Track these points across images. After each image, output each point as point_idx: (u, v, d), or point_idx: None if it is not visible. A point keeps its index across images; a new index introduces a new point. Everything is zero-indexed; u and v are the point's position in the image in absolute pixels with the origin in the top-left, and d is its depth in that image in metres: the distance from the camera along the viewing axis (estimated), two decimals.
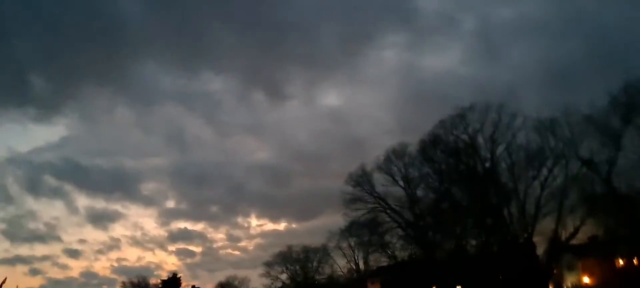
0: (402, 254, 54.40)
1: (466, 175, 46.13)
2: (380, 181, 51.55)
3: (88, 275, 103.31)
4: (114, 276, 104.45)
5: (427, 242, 50.40)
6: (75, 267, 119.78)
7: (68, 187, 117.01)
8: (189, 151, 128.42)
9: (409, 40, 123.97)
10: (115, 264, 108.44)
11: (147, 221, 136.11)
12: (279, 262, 71.51)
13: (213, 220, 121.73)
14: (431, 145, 47.59)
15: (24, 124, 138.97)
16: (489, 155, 45.44)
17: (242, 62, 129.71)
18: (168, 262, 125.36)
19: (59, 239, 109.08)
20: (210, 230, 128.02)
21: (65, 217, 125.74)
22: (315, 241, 72.47)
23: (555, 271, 47.35)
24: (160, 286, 76.76)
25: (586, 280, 48.20)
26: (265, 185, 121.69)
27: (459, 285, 50.56)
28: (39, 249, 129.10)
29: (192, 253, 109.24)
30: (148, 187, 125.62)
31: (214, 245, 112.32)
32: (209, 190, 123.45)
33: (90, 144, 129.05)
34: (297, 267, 70.84)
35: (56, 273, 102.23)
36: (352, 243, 63.52)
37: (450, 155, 47.11)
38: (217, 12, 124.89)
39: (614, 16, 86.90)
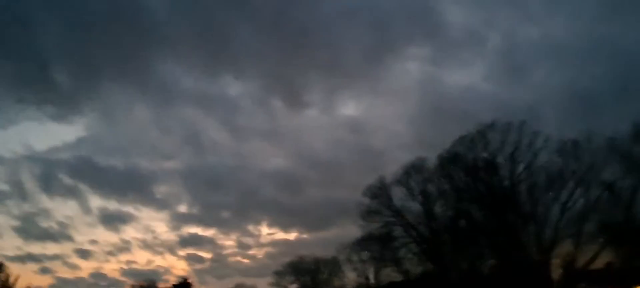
0: (415, 270, 54.04)
1: (484, 194, 45.95)
2: (397, 195, 51.50)
3: (97, 276, 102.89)
4: (123, 278, 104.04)
5: (442, 259, 50.09)
6: (85, 268, 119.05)
7: (82, 187, 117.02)
8: (203, 154, 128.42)
9: (433, 54, 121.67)
10: (125, 266, 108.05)
11: (158, 224, 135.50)
12: (289, 271, 71.21)
13: (224, 226, 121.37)
14: (450, 161, 47.59)
15: (43, 122, 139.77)
16: (508, 175, 45.35)
17: (263, 67, 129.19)
18: (177, 266, 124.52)
19: (70, 239, 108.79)
20: (220, 236, 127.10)
21: (78, 216, 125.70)
22: (326, 252, 71.87)
23: None
24: None
25: None
26: (278, 192, 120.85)
27: None
28: (51, 248, 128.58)
29: (201, 259, 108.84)
30: (161, 190, 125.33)
31: (224, 252, 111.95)
32: (222, 195, 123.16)
33: (107, 143, 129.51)
34: (308, 278, 70.51)
35: (66, 273, 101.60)
36: (364, 257, 63.08)
37: (469, 172, 47.01)
38: (243, 15, 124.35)
39: None
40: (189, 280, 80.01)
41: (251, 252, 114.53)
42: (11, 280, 59.97)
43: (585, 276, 45.04)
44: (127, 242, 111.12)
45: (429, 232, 50.68)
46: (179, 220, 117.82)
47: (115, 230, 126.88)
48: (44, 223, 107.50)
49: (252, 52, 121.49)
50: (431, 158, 50.01)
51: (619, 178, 40.41)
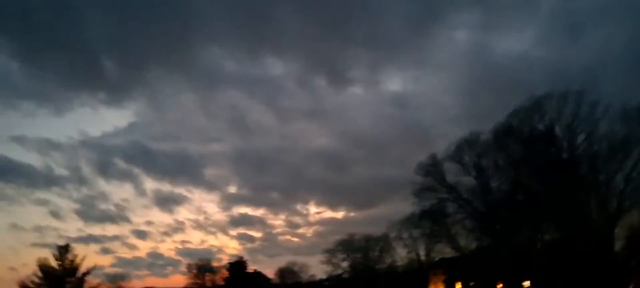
0: (468, 246, 53.58)
1: (542, 167, 44.75)
2: (450, 170, 50.89)
3: (154, 255, 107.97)
4: (178, 257, 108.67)
5: (498, 234, 49.43)
6: (143, 248, 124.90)
7: (136, 170, 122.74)
8: (250, 136, 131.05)
9: (482, 20, 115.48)
10: (180, 246, 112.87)
11: (209, 205, 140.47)
12: (340, 249, 72.00)
13: (273, 206, 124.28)
14: (505, 134, 46.54)
15: (95, 107, 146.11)
16: (567, 146, 44.02)
17: (305, 46, 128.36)
18: (229, 246, 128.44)
19: (128, 220, 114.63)
20: (270, 216, 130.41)
21: (134, 199, 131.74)
22: (374, 230, 72.44)
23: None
24: (228, 268, 79.03)
25: None
26: (325, 171, 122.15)
27: (527, 280, 49.34)
28: (110, 229, 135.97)
29: (252, 238, 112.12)
30: (210, 172, 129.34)
31: (274, 231, 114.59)
32: (269, 176, 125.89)
33: (157, 128, 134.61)
34: (359, 255, 71.10)
35: (125, 253, 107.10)
36: (415, 234, 62.93)
37: (525, 145, 45.87)
38: None
39: None
40: (244, 259, 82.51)
41: (300, 230, 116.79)
42: (78, 260, 63.37)
43: None
44: (180, 223, 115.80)
45: (485, 207, 49.96)
46: (229, 200, 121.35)
47: (169, 211, 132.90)
48: (103, 206, 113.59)
49: (293, 32, 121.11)
50: (484, 132, 49.20)
51: None
